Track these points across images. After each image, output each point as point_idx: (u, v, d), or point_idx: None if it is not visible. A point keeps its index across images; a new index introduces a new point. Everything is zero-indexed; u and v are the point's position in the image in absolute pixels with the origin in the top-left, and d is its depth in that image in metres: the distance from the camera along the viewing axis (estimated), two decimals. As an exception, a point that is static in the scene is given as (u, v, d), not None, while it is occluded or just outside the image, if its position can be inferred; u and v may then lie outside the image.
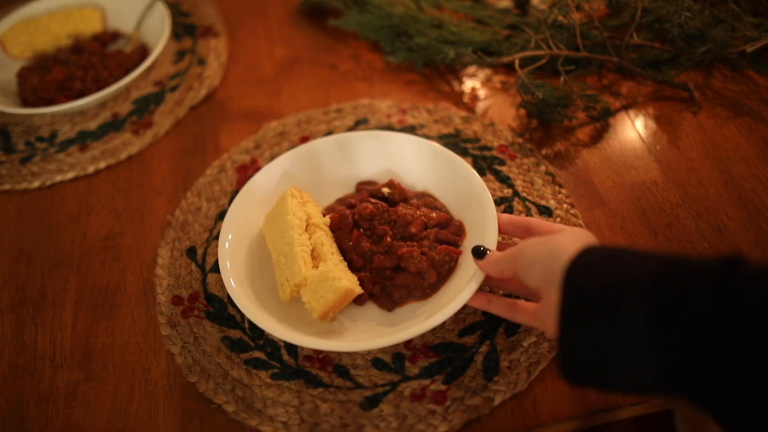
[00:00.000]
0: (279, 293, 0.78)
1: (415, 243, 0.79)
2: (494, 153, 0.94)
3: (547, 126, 0.98)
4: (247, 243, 0.83)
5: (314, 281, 0.74)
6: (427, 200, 0.86)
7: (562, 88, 0.97)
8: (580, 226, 0.83)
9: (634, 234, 0.83)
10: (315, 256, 0.78)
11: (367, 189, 0.88)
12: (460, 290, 0.71)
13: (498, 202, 0.87)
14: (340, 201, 0.89)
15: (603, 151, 0.93)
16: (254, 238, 0.84)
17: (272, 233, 0.81)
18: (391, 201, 0.85)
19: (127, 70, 1.12)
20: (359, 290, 0.75)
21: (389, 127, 1.00)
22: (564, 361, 0.57)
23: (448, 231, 0.81)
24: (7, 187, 1.01)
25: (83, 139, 1.06)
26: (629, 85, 1.02)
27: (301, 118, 1.04)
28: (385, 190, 0.86)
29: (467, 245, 0.80)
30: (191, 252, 0.88)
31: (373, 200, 0.83)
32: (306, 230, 0.80)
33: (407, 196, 0.86)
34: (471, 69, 1.09)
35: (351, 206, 0.85)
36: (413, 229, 0.80)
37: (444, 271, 0.78)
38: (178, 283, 0.85)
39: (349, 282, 0.73)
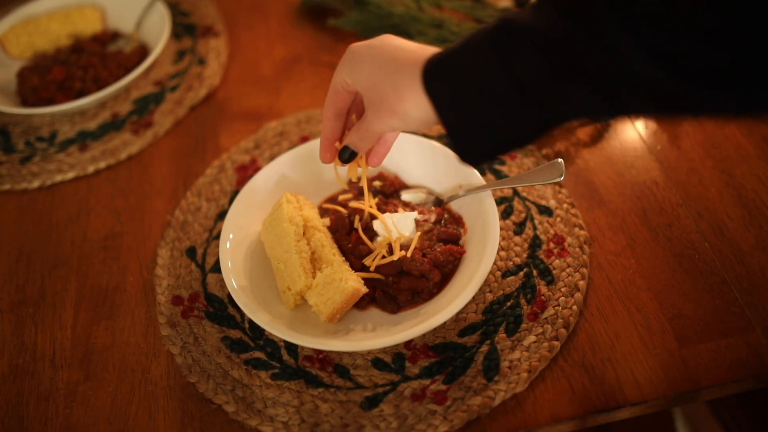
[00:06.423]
0: (282, 301, 0.78)
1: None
2: (494, 153, 0.94)
3: (547, 126, 0.98)
4: (248, 243, 0.83)
5: (320, 284, 0.73)
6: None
7: (563, 87, 0.96)
8: (580, 226, 0.83)
9: (635, 234, 0.83)
10: (316, 259, 0.78)
11: (357, 186, 0.87)
12: (463, 289, 0.71)
13: (498, 202, 0.87)
14: (331, 201, 0.89)
15: (603, 151, 0.93)
16: (255, 239, 0.84)
17: (270, 240, 0.80)
18: (385, 193, 0.85)
19: (127, 70, 1.12)
20: (365, 289, 0.75)
21: (389, 127, 0.99)
22: (459, 142, 0.62)
23: (447, 225, 0.81)
24: (7, 187, 1.01)
25: (83, 139, 1.06)
26: (630, 85, 1.02)
27: (301, 118, 1.04)
28: (377, 183, 0.86)
29: (468, 240, 0.80)
30: (191, 252, 0.88)
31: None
32: (304, 234, 0.79)
33: (398, 186, 0.86)
34: (471, 69, 1.09)
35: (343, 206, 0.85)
36: (412, 227, 0.79)
37: (447, 270, 0.78)
38: (178, 283, 0.85)
39: (355, 282, 0.73)
